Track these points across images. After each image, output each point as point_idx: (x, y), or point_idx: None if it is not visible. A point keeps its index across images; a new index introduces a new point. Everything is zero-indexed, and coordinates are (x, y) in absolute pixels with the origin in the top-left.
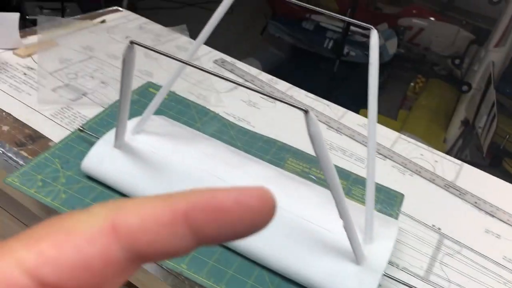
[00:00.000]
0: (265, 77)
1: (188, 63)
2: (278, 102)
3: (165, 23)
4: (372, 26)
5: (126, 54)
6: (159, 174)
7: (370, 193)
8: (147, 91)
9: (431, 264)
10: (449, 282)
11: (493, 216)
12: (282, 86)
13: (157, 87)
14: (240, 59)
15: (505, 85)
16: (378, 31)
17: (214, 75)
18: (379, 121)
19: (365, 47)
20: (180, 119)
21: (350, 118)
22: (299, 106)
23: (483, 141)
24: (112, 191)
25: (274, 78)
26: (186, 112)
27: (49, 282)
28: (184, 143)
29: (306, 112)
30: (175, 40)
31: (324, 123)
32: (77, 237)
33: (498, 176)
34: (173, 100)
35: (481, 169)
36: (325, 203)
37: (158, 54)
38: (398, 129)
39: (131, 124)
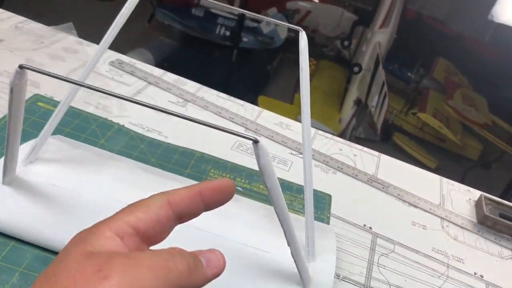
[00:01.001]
0: (171, 77)
1: (106, 92)
2: (189, 105)
3: (46, 21)
4: (300, 28)
5: (14, 82)
6: (65, 213)
7: (309, 208)
8: (35, 105)
9: (370, 268)
10: (389, 285)
11: (416, 207)
12: (191, 87)
13: (48, 100)
14: (128, 50)
15: (388, 64)
16: (268, 15)
17: (140, 104)
18: (276, 107)
19: (257, 32)
20: (80, 137)
21: (265, 117)
22: (246, 136)
23: (376, 119)
24: (5, 238)
25: (181, 78)
26: (85, 128)
27: (141, 231)
28: (90, 170)
29: (256, 142)
30: (61, 41)
31: (241, 125)
32: (153, 207)
33: (389, 150)
34: (68, 114)
35: (374, 145)
36: (259, 220)
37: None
38: (295, 114)
39: (21, 152)
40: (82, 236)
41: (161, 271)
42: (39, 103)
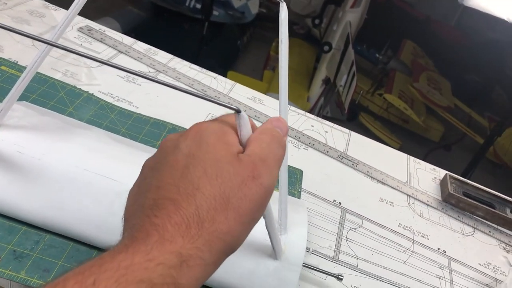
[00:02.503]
0: (142, 46)
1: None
2: (160, 76)
3: None
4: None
5: None
6: (32, 182)
7: (283, 181)
8: None
9: (338, 242)
10: (357, 258)
11: (384, 184)
12: (162, 58)
13: (12, 65)
14: (95, 18)
15: (357, 44)
16: None
17: (112, 66)
18: (245, 83)
19: (228, 6)
20: (47, 104)
21: (238, 91)
22: (229, 106)
23: (344, 99)
24: None
25: (152, 48)
26: (53, 95)
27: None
28: (58, 137)
29: (238, 112)
30: (26, 3)
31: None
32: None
33: (355, 130)
34: (34, 80)
35: (340, 124)
36: None
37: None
38: (265, 91)
39: None
40: (220, 135)
41: (280, 160)
42: (3, 67)
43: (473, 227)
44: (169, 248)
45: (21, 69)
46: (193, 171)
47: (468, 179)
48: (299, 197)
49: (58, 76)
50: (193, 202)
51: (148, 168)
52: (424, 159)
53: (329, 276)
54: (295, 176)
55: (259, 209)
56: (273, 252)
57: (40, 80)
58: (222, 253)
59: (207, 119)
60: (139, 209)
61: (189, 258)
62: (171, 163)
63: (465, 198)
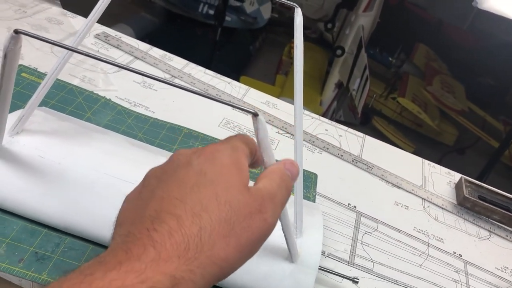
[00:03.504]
0: (157, 52)
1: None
2: (176, 81)
3: None
4: (296, 4)
5: (9, 47)
6: (52, 185)
7: (298, 185)
8: (19, 76)
9: (354, 245)
10: (373, 262)
11: (399, 187)
12: (178, 63)
13: (32, 72)
14: (109, 25)
15: (370, 48)
16: None
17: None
18: (257, 87)
19: (240, 12)
20: (65, 110)
21: (252, 95)
22: (247, 109)
23: (357, 103)
24: None
25: (168, 53)
26: (71, 101)
27: (252, 150)
28: (77, 142)
29: (256, 115)
30: (45, 11)
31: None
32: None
33: (368, 134)
34: (53, 86)
35: (354, 128)
36: None
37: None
38: (277, 95)
39: (8, 122)
40: (234, 159)
41: (285, 202)
42: (23, 74)
43: (489, 230)
44: (163, 268)
45: (40, 75)
46: (203, 191)
47: (483, 183)
48: (314, 201)
49: (76, 82)
50: (197, 223)
51: (154, 177)
52: (439, 163)
53: (344, 279)
54: (310, 180)
55: (258, 242)
56: (289, 255)
57: (59, 86)
58: (214, 278)
59: (221, 124)
60: (138, 218)
61: (181, 280)
62: (181, 178)
63: (481, 201)
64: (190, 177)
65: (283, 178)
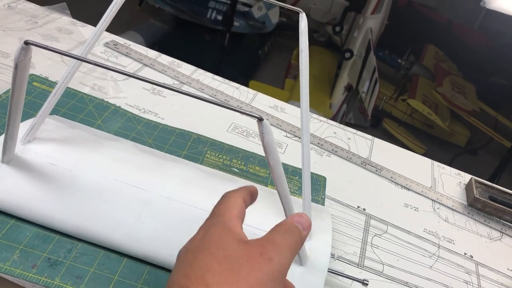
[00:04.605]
0: (166, 59)
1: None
2: (184, 87)
3: (39, 1)
4: (300, 10)
5: (19, 58)
6: (64, 192)
7: (306, 188)
8: (31, 85)
9: (364, 248)
10: (382, 264)
11: (408, 189)
12: (186, 70)
13: (43, 81)
14: (119, 32)
15: (379, 50)
16: (259, 0)
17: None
18: (267, 92)
19: (248, 17)
20: (76, 117)
21: (260, 100)
22: (252, 114)
23: (367, 105)
24: (5, 216)
25: (176, 60)
26: (82, 108)
27: (246, 201)
28: (88, 149)
29: (260, 120)
30: (55, 21)
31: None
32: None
33: (378, 136)
34: (63, 94)
35: (364, 131)
36: (257, 201)
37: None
38: (287, 99)
39: (20, 130)
40: (224, 226)
41: (293, 247)
42: (35, 83)
43: (500, 231)
44: None
45: (51, 84)
46: (200, 258)
47: (496, 184)
48: (323, 204)
49: (86, 90)
50: (202, 283)
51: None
52: (450, 165)
53: (354, 282)
54: (319, 183)
55: (273, 282)
56: (299, 257)
57: (69, 94)
58: None
59: (229, 129)
60: None
61: None
62: (180, 262)
63: (492, 202)
64: (188, 257)
65: (286, 228)
